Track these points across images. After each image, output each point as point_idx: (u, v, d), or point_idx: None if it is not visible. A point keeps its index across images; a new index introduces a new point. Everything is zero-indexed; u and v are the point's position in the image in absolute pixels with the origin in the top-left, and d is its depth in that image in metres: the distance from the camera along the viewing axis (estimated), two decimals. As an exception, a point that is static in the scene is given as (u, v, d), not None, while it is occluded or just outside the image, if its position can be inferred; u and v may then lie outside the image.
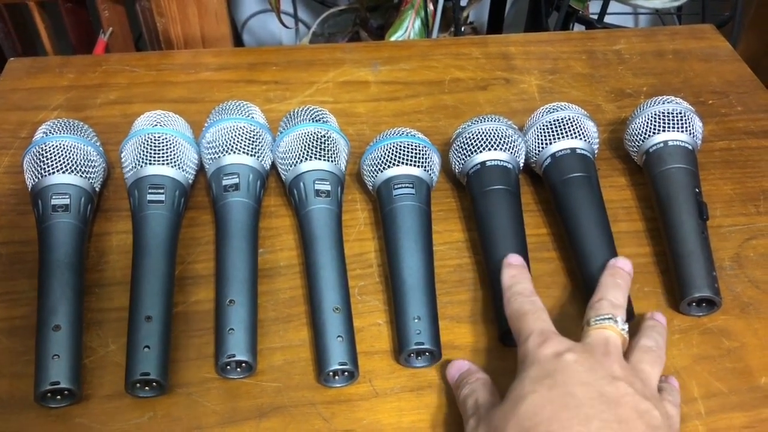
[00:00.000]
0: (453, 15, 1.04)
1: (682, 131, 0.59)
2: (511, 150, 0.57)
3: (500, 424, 0.40)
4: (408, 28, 0.97)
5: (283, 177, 0.58)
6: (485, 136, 0.57)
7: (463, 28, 1.08)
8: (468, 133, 0.58)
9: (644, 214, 0.60)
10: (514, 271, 0.50)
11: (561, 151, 0.58)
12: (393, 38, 1.00)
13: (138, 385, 0.46)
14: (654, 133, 0.59)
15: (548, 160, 0.58)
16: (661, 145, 0.59)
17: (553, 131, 0.59)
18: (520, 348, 0.45)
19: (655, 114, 0.60)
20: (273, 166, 0.60)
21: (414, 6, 0.97)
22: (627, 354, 0.45)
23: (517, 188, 0.57)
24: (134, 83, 0.73)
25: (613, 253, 0.53)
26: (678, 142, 0.58)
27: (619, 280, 0.49)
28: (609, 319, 0.45)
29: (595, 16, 1.10)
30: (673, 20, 1.49)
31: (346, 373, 0.47)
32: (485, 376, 0.47)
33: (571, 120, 0.59)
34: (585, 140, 0.59)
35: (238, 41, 1.39)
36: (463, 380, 0.46)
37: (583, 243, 0.54)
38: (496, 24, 1.42)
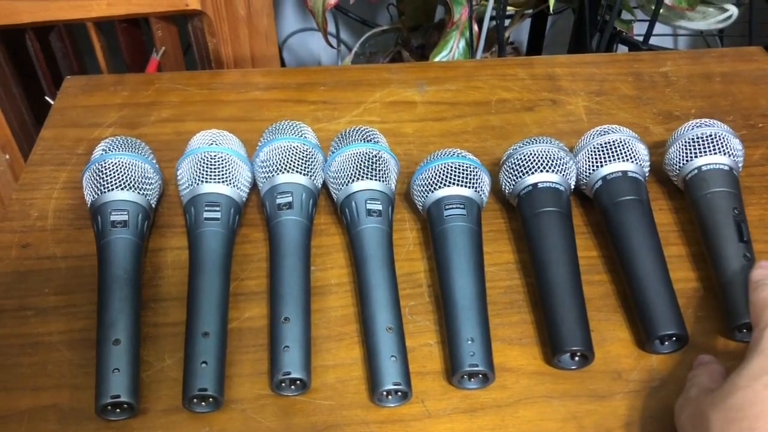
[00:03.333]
0: (496, 35, 1.05)
1: (717, 153, 0.58)
2: (562, 172, 0.57)
3: (707, 409, 0.41)
4: (453, 48, 0.98)
5: (334, 196, 0.59)
6: (537, 157, 0.57)
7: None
8: (519, 155, 0.58)
9: (695, 237, 0.59)
10: (766, 271, 0.48)
11: (612, 173, 0.58)
12: (437, 59, 1.00)
13: (195, 400, 0.47)
14: (689, 159, 0.59)
15: (599, 183, 0.58)
16: (696, 171, 0.58)
17: (604, 154, 0.59)
18: (755, 336, 0.43)
19: (689, 140, 0.59)
20: (324, 184, 0.61)
21: (459, 27, 0.98)
22: None
23: (569, 210, 0.57)
24: (186, 102, 0.74)
25: (667, 278, 0.53)
26: (714, 166, 0.58)
27: None
28: None
29: (639, 38, 1.10)
30: (716, 42, 1.48)
31: (399, 393, 0.48)
32: (718, 366, 0.47)
33: (622, 143, 0.59)
34: (636, 163, 0.58)
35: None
36: (696, 367, 0.47)
37: (636, 267, 0.53)
38: (535, 44, 1.42)
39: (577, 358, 0.50)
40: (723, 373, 0.46)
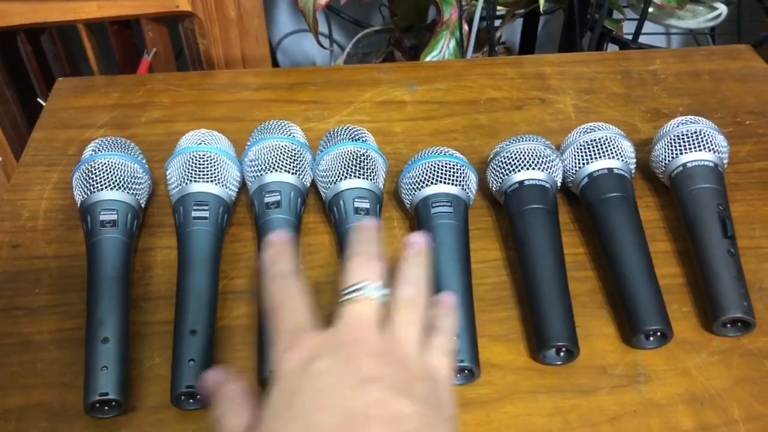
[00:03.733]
0: (487, 35, 1.05)
1: (702, 150, 0.59)
2: (548, 169, 0.58)
3: None
4: (443, 48, 0.98)
5: (322, 195, 0.60)
6: (523, 155, 0.58)
7: (496, 48, 1.09)
8: (506, 153, 0.59)
9: (681, 233, 0.60)
10: (274, 250, 0.41)
11: (598, 171, 0.58)
12: (428, 58, 1.01)
13: (183, 397, 0.47)
14: (674, 156, 0.60)
15: (585, 180, 0.59)
16: (681, 168, 0.59)
17: (590, 151, 0.59)
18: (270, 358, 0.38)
19: (675, 137, 0.60)
20: (312, 183, 0.61)
21: (449, 27, 0.98)
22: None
23: (555, 207, 0.57)
24: (177, 102, 0.75)
25: (652, 274, 0.53)
26: (699, 162, 0.59)
27: (367, 234, 0.42)
28: (359, 289, 0.39)
29: (629, 36, 1.11)
30: (707, 40, 1.49)
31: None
32: (237, 387, 0.39)
33: (608, 140, 0.59)
34: (622, 160, 0.59)
35: (272, 61, 1.41)
36: (217, 395, 0.39)
37: (622, 263, 0.54)
38: (528, 44, 1.43)
39: (562, 354, 0.50)
40: (250, 397, 0.38)
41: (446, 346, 0.40)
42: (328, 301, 0.55)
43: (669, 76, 0.79)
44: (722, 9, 1.12)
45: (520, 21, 1.40)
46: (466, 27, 1.01)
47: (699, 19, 1.13)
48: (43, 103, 0.75)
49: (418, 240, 0.43)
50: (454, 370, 0.40)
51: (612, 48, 1.18)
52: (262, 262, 0.41)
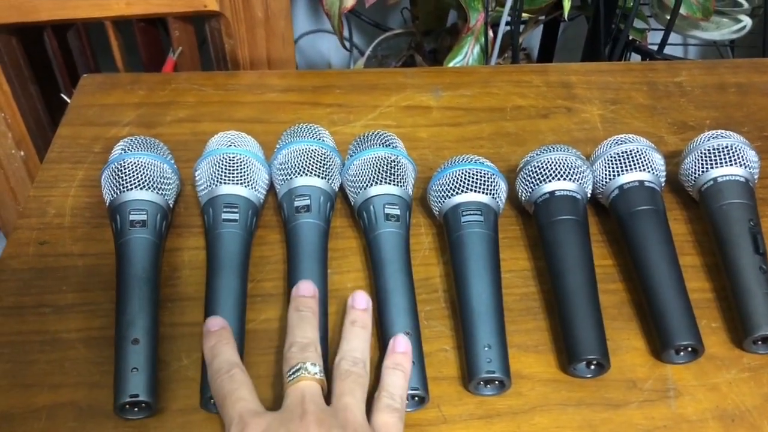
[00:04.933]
0: (511, 41, 1.05)
1: (732, 165, 0.59)
2: (579, 180, 0.58)
3: None
4: (467, 54, 0.98)
5: (351, 200, 0.59)
6: (554, 165, 0.58)
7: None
8: (536, 162, 0.58)
9: (709, 247, 0.60)
10: (212, 341, 0.47)
11: (629, 183, 0.58)
12: (451, 64, 1.01)
13: (212, 400, 0.47)
14: (704, 170, 0.59)
15: (615, 192, 0.58)
16: (711, 183, 0.59)
17: (621, 163, 0.59)
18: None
19: (705, 151, 0.60)
20: (340, 188, 0.61)
21: (474, 33, 0.98)
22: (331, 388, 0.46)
23: (585, 218, 0.57)
24: (202, 102, 0.74)
25: (683, 288, 0.53)
26: (729, 177, 0.58)
27: (303, 312, 0.48)
28: (299, 369, 0.44)
29: (651, 47, 1.10)
30: (727, 52, 1.48)
31: (416, 398, 0.48)
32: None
33: (640, 152, 0.59)
34: (652, 173, 0.59)
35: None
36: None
37: (651, 276, 0.53)
38: (547, 50, 1.42)
39: (593, 367, 0.50)
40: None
41: (394, 404, 0.45)
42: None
43: (695, 89, 0.78)
44: (747, 21, 1.12)
45: (539, 27, 1.40)
46: (491, 33, 1.01)
47: (723, 30, 1.12)
48: (67, 99, 0.75)
49: (359, 303, 0.49)
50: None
51: (634, 58, 1.18)
52: (204, 351, 0.47)
